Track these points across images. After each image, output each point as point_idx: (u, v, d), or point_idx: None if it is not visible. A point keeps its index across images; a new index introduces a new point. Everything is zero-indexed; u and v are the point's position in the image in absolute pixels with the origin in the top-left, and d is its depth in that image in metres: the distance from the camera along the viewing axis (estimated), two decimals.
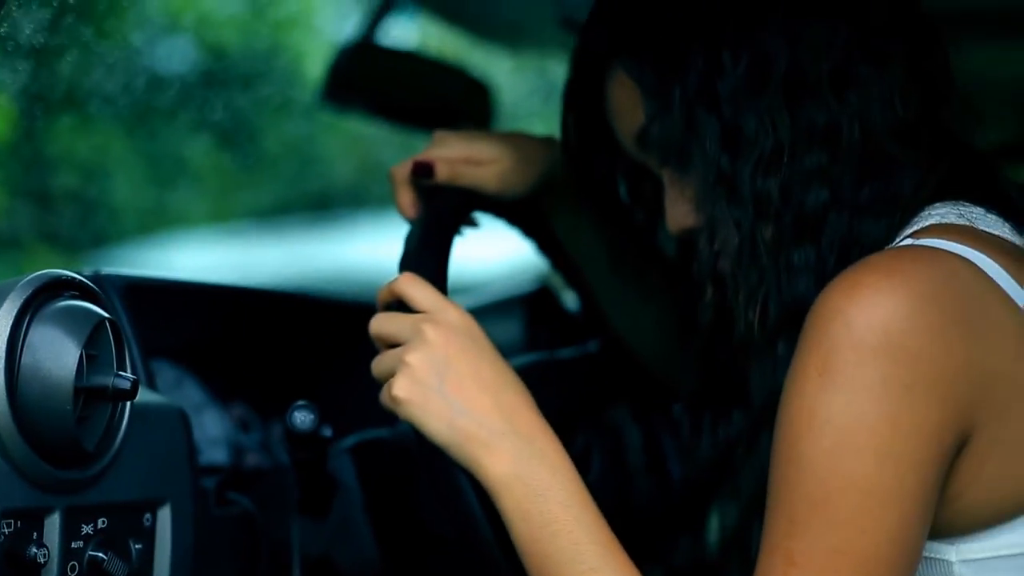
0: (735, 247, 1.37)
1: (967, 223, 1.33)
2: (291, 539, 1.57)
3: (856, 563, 1.22)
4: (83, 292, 1.30)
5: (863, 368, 1.21)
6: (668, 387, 1.76)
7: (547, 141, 1.67)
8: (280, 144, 7.84)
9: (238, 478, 1.62)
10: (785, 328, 1.33)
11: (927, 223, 1.34)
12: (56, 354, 1.22)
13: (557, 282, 2.26)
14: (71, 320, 1.25)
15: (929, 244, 1.29)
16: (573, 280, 1.83)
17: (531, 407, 1.37)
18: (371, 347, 1.43)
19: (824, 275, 1.32)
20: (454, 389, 1.35)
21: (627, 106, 1.45)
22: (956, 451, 1.24)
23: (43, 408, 1.22)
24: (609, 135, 1.52)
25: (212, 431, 1.81)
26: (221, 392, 1.87)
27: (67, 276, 1.29)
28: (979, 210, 1.35)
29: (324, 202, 8.49)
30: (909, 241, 1.32)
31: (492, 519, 1.37)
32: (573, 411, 1.67)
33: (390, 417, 1.41)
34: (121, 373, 1.26)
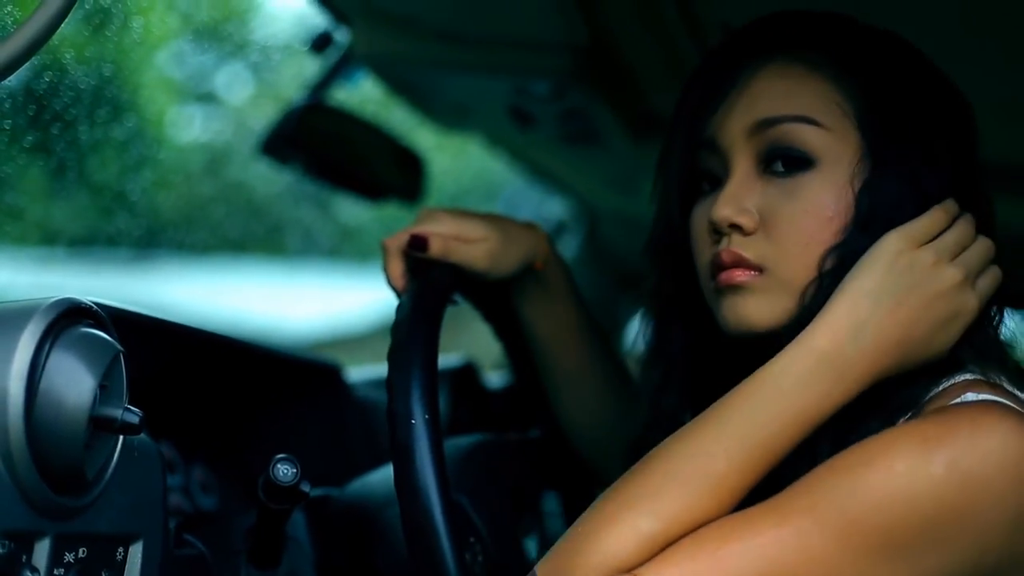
0: None
1: (995, 381, 1.38)
2: None
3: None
4: (97, 321, 1.31)
5: (968, 464, 1.25)
6: (598, 476, 1.81)
7: (529, 225, 1.72)
8: (110, 180, 7.73)
9: (192, 521, 1.62)
10: None
11: (956, 379, 1.39)
12: (74, 382, 1.23)
13: (476, 360, 2.30)
14: (90, 350, 1.26)
15: (1001, 402, 1.33)
16: (521, 366, 1.86)
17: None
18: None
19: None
20: None
21: (777, 93, 1.45)
22: None
23: (56, 433, 1.22)
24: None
25: None
26: (151, 431, 1.86)
27: (85, 304, 1.29)
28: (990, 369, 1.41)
29: (146, 242, 8.39)
30: (972, 395, 1.35)
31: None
32: (522, 492, 1.71)
33: (330, 477, 1.41)
34: (130, 407, 1.27)
